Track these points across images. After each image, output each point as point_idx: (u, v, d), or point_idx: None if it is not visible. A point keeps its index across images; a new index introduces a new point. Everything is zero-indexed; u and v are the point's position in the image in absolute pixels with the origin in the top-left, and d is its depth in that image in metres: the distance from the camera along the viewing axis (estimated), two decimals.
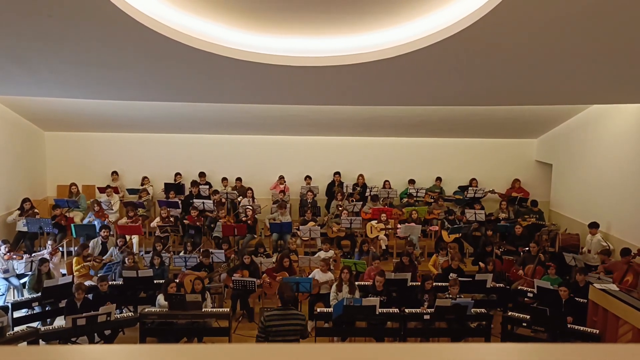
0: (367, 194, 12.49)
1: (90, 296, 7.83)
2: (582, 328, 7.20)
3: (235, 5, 5.71)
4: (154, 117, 11.71)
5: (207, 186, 12.50)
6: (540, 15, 5.09)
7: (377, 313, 7.16)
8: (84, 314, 6.94)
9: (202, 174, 12.76)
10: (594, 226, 9.69)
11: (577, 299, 7.74)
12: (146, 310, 7.54)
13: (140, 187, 12.44)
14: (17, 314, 7.64)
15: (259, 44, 6.40)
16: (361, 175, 12.89)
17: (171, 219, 10.78)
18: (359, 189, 12.65)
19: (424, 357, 1.35)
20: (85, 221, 10.85)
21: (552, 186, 12.61)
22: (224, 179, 12.74)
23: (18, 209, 10.59)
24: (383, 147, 13.29)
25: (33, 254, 9.20)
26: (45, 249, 9.18)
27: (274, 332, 5.57)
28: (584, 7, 4.88)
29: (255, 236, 11.01)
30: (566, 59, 6.33)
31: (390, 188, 12.65)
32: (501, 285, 8.58)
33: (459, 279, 8.17)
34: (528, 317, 7.43)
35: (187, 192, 12.47)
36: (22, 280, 8.61)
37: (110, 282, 8.16)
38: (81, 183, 12.29)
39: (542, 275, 8.71)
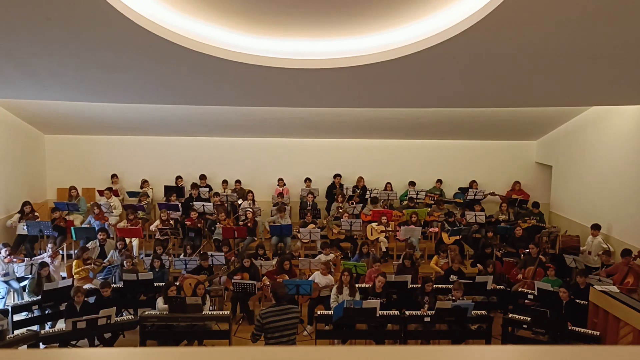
0: (367, 196, 12.49)
1: (91, 299, 7.83)
2: (582, 330, 7.20)
3: (235, 8, 5.72)
4: (154, 119, 11.72)
5: (207, 189, 12.50)
6: (540, 18, 5.10)
7: (378, 315, 7.16)
8: (84, 317, 6.93)
9: (202, 177, 12.76)
10: (595, 227, 9.68)
11: (577, 300, 7.74)
12: (146, 313, 7.54)
13: (140, 190, 12.44)
14: (17, 317, 7.63)
15: (259, 46, 6.41)
16: (361, 177, 12.89)
17: (171, 221, 10.77)
18: (359, 191, 12.65)
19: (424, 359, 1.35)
20: (85, 224, 10.85)
21: (552, 188, 12.61)
22: (224, 182, 12.74)
23: (18, 212, 10.58)
24: (383, 149, 13.30)
25: (33, 258, 9.19)
26: (46, 252, 9.17)
27: (273, 328, 5.57)
28: (582, 9, 4.89)
29: (256, 239, 11.01)
30: (565, 61, 6.34)
31: (390, 190, 12.65)
32: (501, 287, 8.57)
33: (459, 280, 8.17)
34: (528, 319, 7.42)
35: (187, 195, 12.46)
36: (22, 284, 8.61)
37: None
38: (81, 186, 12.29)
39: (543, 277, 8.70)
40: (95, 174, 12.79)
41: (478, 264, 9.36)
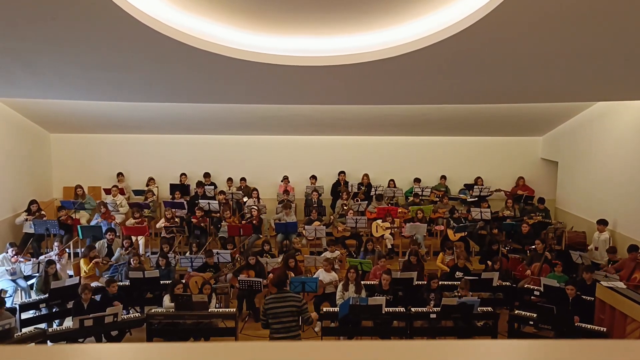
0: (372, 193, 12.48)
1: (97, 297, 7.87)
2: (589, 326, 7.17)
3: (238, 6, 5.72)
4: (159, 118, 11.75)
5: (212, 187, 12.52)
6: (544, 13, 5.07)
7: (383, 312, 7.16)
8: (91, 315, 6.97)
9: (206, 175, 12.79)
10: (602, 223, 9.64)
11: (584, 297, 7.71)
12: (153, 310, 7.57)
13: (146, 188, 12.48)
14: (25, 315, 7.67)
15: (263, 44, 6.42)
16: (366, 174, 12.87)
17: (176, 219, 10.80)
18: (364, 188, 12.64)
19: (431, 354, 1.35)
20: (92, 223, 10.91)
21: (558, 184, 12.56)
22: (229, 180, 12.76)
23: (25, 211, 10.64)
24: (387, 146, 13.27)
25: (41, 257, 9.24)
26: (52, 250, 9.22)
27: (273, 314, 5.90)
28: (588, 4, 4.86)
29: (261, 236, 11.02)
30: (571, 56, 6.31)
31: (395, 187, 12.63)
32: (507, 283, 8.54)
33: (465, 277, 8.15)
34: (535, 315, 7.40)
35: (192, 193, 12.49)
36: (30, 282, 8.65)
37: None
38: (87, 184, 12.34)
39: (549, 273, 8.67)
40: (101, 172, 12.83)
41: (488, 261, 9.31)
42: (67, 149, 12.87)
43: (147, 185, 12.67)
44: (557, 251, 9.74)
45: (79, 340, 7.05)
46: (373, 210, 11.68)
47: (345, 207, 11.67)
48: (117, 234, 10.23)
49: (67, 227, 10.51)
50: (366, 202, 12.04)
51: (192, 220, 10.90)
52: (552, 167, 12.84)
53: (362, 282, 8.12)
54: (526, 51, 6.15)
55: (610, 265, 8.86)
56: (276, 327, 5.93)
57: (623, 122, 10.02)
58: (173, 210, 10.91)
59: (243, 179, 12.76)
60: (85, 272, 8.72)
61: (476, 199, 12.22)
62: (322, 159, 13.21)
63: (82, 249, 9.49)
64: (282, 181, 12.75)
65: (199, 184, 12.32)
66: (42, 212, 10.67)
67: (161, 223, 10.83)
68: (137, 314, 7.84)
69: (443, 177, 13.07)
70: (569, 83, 7.70)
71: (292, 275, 8.52)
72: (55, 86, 8.11)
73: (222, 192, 12.04)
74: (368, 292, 7.91)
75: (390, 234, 10.86)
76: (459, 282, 7.95)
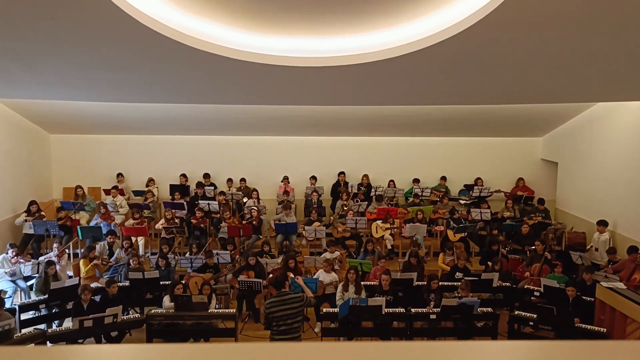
0: (372, 194, 12.48)
1: (97, 298, 7.87)
2: (589, 327, 7.17)
3: (238, 6, 5.72)
4: (159, 118, 11.75)
5: (212, 187, 12.52)
6: (545, 14, 5.07)
7: (383, 313, 7.16)
8: (90, 316, 6.97)
9: (206, 175, 12.79)
10: (602, 224, 9.64)
11: (584, 297, 7.71)
12: (152, 311, 7.56)
13: (146, 189, 12.47)
14: (25, 316, 7.67)
15: (263, 44, 6.41)
16: (366, 175, 12.88)
17: (176, 220, 10.80)
18: (363, 188, 12.64)
19: (431, 355, 1.35)
20: (92, 223, 10.91)
21: (558, 184, 12.56)
22: (229, 180, 12.76)
23: (25, 212, 10.64)
24: (387, 146, 13.28)
25: (40, 258, 9.23)
26: (52, 251, 9.22)
27: (277, 317, 5.82)
28: (588, 4, 4.86)
29: (261, 237, 11.03)
30: (571, 57, 6.31)
31: (395, 188, 12.64)
32: (507, 284, 8.54)
33: (465, 278, 8.15)
34: (535, 316, 7.40)
35: (192, 194, 12.49)
36: (29, 283, 8.64)
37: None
38: (87, 185, 12.34)
39: (549, 274, 8.67)
40: (101, 173, 12.84)
41: (488, 262, 9.31)
42: (67, 150, 12.88)
43: (147, 185, 12.67)
44: (557, 252, 9.75)
45: (79, 341, 7.05)
46: (373, 210, 11.68)
47: (345, 208, 11.67)
48: (118, 236, 10.24)
49: (66, 228, 10.52)
50: (366, 202, 12.04)
51: (192, 221, 10.90)
52: (552, 167, 12.85)
53: (362, 283, 8.12)
54: (526, 51, 6.15)
55: (610, 266, 8.86)
56: (278, 329, 5.89)
57: (623, 123, 10.02)
58: (173, 211, 10.91)
59: (243, 180, 12.77)
60: (86, 272, 8.71)
61: (476, 199, 12.23)
62: (322, 160, 13.22)
63: (82, 250, 9.50)
64: (282, 182, 12.76)
65: (199, 185, 12.32)
66: (42, 213, 10.67)
67: (161, 224, 10.82)
68: (136, 315, 7.84)
69: (443, 178, 13.08)
70: (569, 83, 7.70)
71: (292, 275, 8.51)
72: (55, 86, 8.10)
73: (222, 193, 12.04)
74: (368, 293, 7.91)
75: (390, 234, 10.87)
76: (459, 283, 7.95)
